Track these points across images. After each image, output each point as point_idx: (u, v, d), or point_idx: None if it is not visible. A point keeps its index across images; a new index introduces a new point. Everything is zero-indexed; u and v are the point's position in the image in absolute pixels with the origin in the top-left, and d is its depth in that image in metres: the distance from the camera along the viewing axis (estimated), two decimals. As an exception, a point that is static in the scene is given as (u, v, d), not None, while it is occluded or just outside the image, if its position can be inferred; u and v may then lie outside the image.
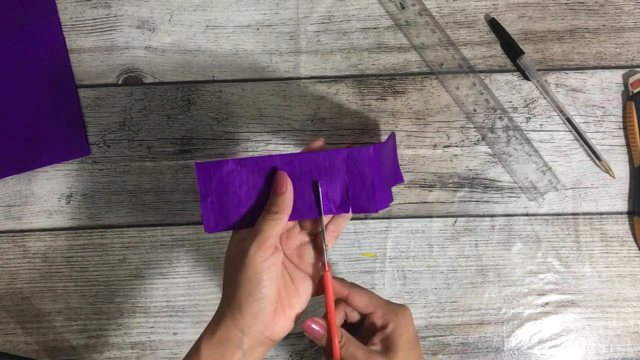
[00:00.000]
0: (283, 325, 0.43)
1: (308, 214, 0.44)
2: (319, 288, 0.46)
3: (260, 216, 0.42)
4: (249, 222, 0.44)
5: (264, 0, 0.59)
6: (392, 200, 0.47)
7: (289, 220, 0.43)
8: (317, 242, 0.46)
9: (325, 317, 0.44)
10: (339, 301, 0.46)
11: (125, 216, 0.59)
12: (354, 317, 0.46)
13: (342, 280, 0.46)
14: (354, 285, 0.46)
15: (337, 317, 0.45)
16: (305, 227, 0.46)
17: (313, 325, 0.43)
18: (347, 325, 0.47)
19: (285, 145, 0.58)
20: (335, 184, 0.44)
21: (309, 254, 0.45)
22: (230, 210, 0.44)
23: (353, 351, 0.42)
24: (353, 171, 0.44)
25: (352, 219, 0.58)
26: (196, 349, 0.41)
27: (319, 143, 0.46)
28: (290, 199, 0.43)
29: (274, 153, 0.58)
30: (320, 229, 0.45)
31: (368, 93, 0.58)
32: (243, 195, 0.44)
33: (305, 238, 0.46)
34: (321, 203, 0.44)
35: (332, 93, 0.58)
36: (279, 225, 0.42)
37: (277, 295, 0.42)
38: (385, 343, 0.44)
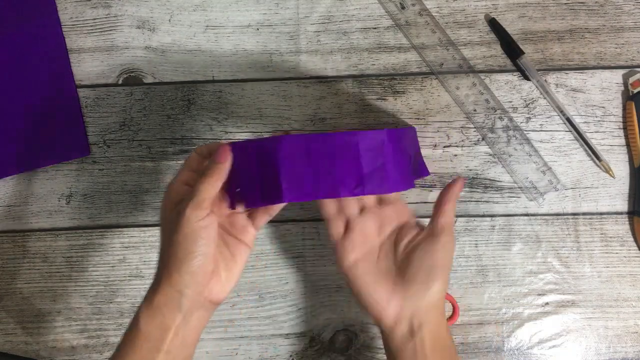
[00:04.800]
0: (222, 287, 0.44)
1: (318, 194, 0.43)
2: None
3: (198, 181, 0.43)
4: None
5: (264, 0, 0.59)
6: (412, 186, 0.47)
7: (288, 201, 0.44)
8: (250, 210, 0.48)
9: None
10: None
11: (125, 216, 0.59)
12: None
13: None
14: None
15: None
16: None
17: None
18: None
19: (285, 145, 0.58)
20: (351, 167, 0.43)
21: (241, 221, 0.47)
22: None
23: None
24: (368, 153, 0.43)
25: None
26: (135, 318, 0.42)
27: None
28: (227, 168, 0.44)
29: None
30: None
31: (368, 93, 0.58)
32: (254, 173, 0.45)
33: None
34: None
35: (332, 93, 0.58)
36: (215, 188, 0.43)
37: (214, 257, 0.43)
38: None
